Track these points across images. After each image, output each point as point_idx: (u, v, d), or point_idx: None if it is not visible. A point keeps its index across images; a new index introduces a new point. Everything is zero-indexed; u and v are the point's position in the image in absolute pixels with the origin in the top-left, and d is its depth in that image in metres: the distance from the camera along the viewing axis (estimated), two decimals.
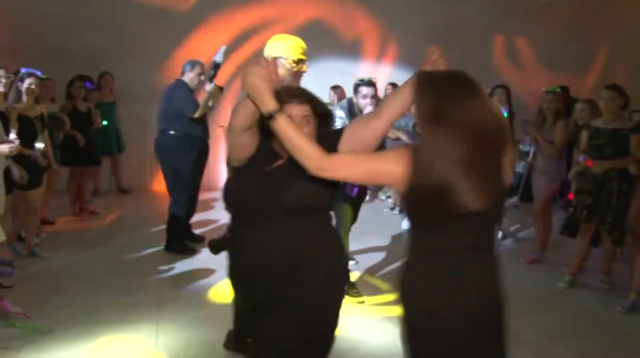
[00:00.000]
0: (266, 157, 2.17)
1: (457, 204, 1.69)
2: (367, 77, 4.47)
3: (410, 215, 1.90)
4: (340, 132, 2.15)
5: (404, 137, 5.46)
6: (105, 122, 6.91)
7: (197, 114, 5.05)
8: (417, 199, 1.77)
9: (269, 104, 1.87)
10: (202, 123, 5.24)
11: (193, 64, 5.23)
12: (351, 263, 4.59)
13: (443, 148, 1.70)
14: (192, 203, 5.43)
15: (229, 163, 2.31)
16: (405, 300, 1.89)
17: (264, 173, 2.15)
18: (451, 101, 1.73)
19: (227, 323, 3.32)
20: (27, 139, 4.36)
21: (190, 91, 5.16)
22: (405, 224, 6.46)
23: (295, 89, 2.20)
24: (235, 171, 2.25)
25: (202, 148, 5.29)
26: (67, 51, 7.31)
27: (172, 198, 5.25)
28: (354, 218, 4.46)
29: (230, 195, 2.25)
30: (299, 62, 2.95)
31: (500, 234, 5.88)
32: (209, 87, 5.10)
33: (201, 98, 5.18)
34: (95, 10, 7.62)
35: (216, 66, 5.07)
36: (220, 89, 5.22)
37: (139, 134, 7.73)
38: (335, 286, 2.27)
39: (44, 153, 4.73)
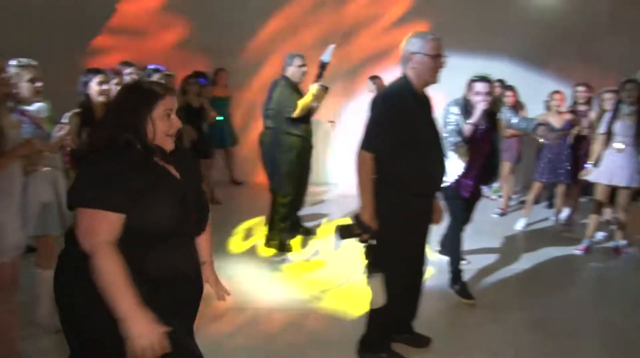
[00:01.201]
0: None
1: None
2: (482, 73, 4.30)
3: None
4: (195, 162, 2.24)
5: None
6: (220, 118, 7.17)
7: (295, 115, 4.98)
8: None
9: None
10: (304, 121, 5.17)
11: (292, 56, 5.15)
12: (463, 263, 4.47)
13: None
14: (297, 200, 5.48)
15: None
16: None
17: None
18: None
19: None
20: None
21: (291, 89, 5.08)
22: (519, 224, 6.20)
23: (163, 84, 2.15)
24: None
25: (303, 146, 5.22)
26: (187, 47, 7.68)
27: (271, 195, 5.28)
28: (468, 219, 4.35)
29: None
30: (436, 57, 2.92)
31: (624, 241, 5.52)
32: (313, 87, 5.02)
33: (306, 91, 5.12)
34: (210, 7, 7.94)
35: (323, 65, 5.02)
36: (326, 89, 5.15)
37: (251, 128, 7.96)
38: None
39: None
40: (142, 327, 1.79)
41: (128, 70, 4.56)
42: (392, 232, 2.97)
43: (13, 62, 3.28)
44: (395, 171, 2.95)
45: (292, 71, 5.13)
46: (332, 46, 5.01)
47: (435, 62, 2.96)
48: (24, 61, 3.36)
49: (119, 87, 4.18)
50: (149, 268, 1.93)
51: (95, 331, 1.93)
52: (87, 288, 1.85)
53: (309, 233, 5.65)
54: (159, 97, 1.95)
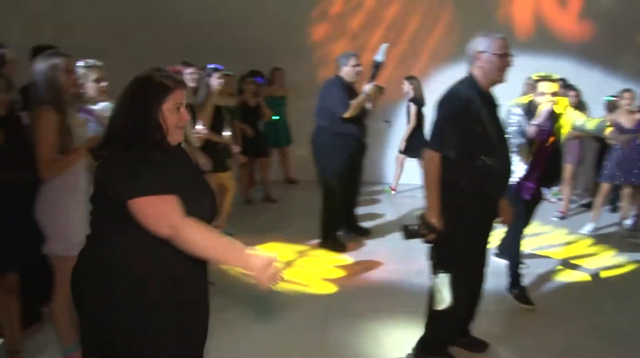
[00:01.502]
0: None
1: None
2: (546, 73, 4.16)
3: None
4: None
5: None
6: (276, 117, 7.24)
7: (347, 115, 4.96)
8: None
9: None
10: (358, 122, 5.14)
11: (347, 56, 5.13)
12: (522, 267, 4.35)
13: None
14: (351, 200, 5.46)
15: None
16: None
17: None
18: None
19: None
20: (216, 127, 4.76)
21: (344, 89, 5.06)
22: (586, 228, 5.98)
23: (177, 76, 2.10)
24: None
25: (356, 146, 5.20)
26: (243, 47, 7.79)
27: (322, 194, 5.27)
28: (528, 222, 4.24)
29: None
30: (504, 56, 2.89)
31: None
32: (367, 87, 5.00)
33: (360, 91, 5.09)
34: (268, 8, 8.04)
35: (377, 65, 4.97)
36: (380, 89, 5.11)
37: (306, 127, 7.98)
38: None
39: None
40: (259, 262, 1.84)
41: (189, 70, 4.65)
42: (457, 232, 2.95)
43: (80, 63, 3.40)
44: (462, 171, 2.92)
45: (346, 71, 5.12)
46: (385, 45, 4.97)
47: (502, 61, 2.94)
48: (91, 61, 3.49)
49: None
50: (175, 261, 1.94)
51: (108, 332, 1.95)
52: (105, 287, 1.90)
53: (364, 233, 5.62)
54: (170, 90, 1.94)
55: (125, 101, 1.96)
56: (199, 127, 4.37)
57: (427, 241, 3.00)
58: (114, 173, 1.87)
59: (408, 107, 7.19)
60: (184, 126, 2.02)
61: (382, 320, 3.87)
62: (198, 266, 2.01)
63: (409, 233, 3.01)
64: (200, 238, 1.86)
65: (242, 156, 5.73)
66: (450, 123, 2.91)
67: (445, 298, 3.00)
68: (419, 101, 7.16)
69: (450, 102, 2.95)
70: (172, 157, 1.99)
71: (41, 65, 2.92)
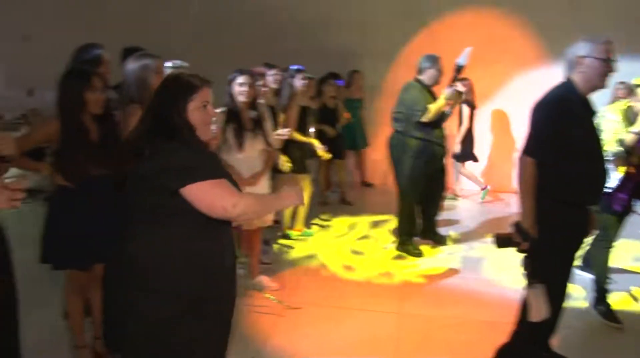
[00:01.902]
0: None
1: None
2: None
3: None
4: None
5: None
6: (353, 119, 7.23)
7: (424, 119, 4.86)
8: None
9: None
10: (435, 126, 5.03)
11: (433, 60, 5.01)
12: (609, 282, 4.13)
13: None
14: (430, 206, 5.36)
15: None
16: None
17: None
18: None
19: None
20: (301, 127, 4.82)
21: (423, 92, 4.97)
22: None
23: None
24: None
25: (433, 151, 5.08)
26: (323, 49, 7.84)
27: (398, 199, 5.21)
28: (616, 234, 4.01)
29: None
30: (607, 61, 2.77)
31: None
32: (447, 91, 4.89)
33: (438, 94, 4.99)
34: (347, 10, 8.06)
35: (458, 69, 4.86)
36: (460, 93, 4.97)
37: (384, 131, 7.94)
38: None
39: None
40: (289, 194, 2.20)
41: (271, 71, 4.73)
42: (552, 242, 2.83)
43: (168, 64, 3.53)
44: (558, 178, 2.81)
45: (430, 74, 5.02)
46: (468, 49, 4.84)
47: (605, 67, 2.81)
48: (178, 62, 3.62)
49: (263, 89, 4.39)
50: (207, 255, 2.07)
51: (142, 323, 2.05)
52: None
53: (441, 239, 5.51)
54: (197, 89, 2.06)
55: (156, 100, 2.09)
56: (283, 130, 4.41)
57: (521, 251, 2.90)
58: (162, 165, 1.97)
59: (461, 110, 7.04)
60: (211, 123, 2.13)
61: (454, 327, 3.78)
62: (228, 259, 2.16)
63: (502, 242, 2.92)
64: (255, 206, 2.08)
65: (326, 153, 5.57)
66: (547, 129, 2.81)
67: (539, 311, 2.88)
68: (471, 103, 7.03)
69: (548, 107, 2.84)
70: (205, 149, 2.13)
71: (133, 65, 3.05)
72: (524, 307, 3.00)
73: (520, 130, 7.22)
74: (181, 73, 2.11)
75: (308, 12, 8.08)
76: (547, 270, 2.88)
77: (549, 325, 3.18)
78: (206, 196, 1.96)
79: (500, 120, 7.94)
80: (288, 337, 3.60)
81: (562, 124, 2.78)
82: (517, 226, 2.87)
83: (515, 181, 2.90)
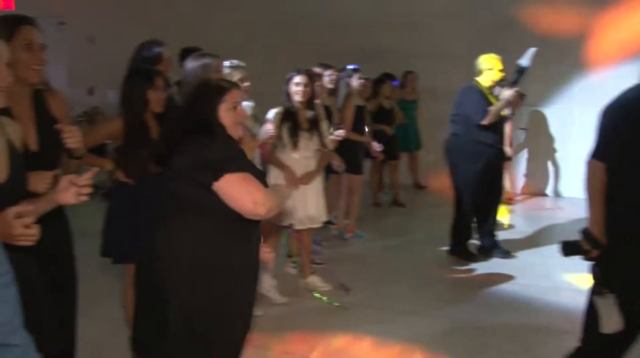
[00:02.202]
0: None
1: None
2: None
3: None
4: None
5: None
6: (407, 121, 7.17)
7: (485, 122, 4.75)
8: None
9: None
10: (495, 129, 4.90)
11: (491, 61, 4.91)
12: None
13: None
14: (487, 210, 5.22)
15: None
16: None
17: None
18: None
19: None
20: (357, 127, 4.82)
21: (482, 94, 4.86)
22: None
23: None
24: None
25: (492, 155, 4.96)
26: (378, 50, 7.81)
27: (455, 202, 5.12)
28: None
29: None
30: None
31: None
32: (508, 93, 4.76)
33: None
34: (401, 10, 8.01)
35: (521, 70, 4.71)
36: (522, 95, 4.81)
37: (438, 133, 7.84)
38: None
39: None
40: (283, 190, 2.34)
41: (328, 72, 4.74)
42: (621, 250, 2.72)
43: (226, 63, 3.58)
44: (629, 184, 2.70)
45: (486, 75, 4.93)
46: (532, 50, 4.68)
47: None
48: (235, 62, 3.66)
49: (320, 89, 4.41)
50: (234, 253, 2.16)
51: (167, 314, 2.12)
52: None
53: (495, 244, 5.38)
54: (226, 91, 2.19)
55: (189, 101, 2.24)
56: (338, 131, 4.41)
57: (589, 259, 2.80)
58: (197, 161, 2.07)
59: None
60: (241, 122, 2.25)
61: (509, 335, 3.67)
62: (254, 259, 2.26)
63: (569, 249, 2.80)
64: (276, 203, 2.15)
65: (382, 154, 5.59)
66: (618, 133, 2.70)
67: (611, 322, 2.76)
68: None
69: (620, 111, 2.73)
70: (238, 147, 2.24)
71: (193, 64, 3.11)
72: (591, 318, 2.88)
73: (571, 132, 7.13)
74: (212, 77, 2.27)
75: (362, 13, 8.06)
76: (622, 281, 2.75)
77: (623, 341, 3.03)
78: (237, 189, 2.05)
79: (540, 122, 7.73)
80: (338, 338, 3.59)
81: (636, 128, 2.66)
82: (586, 233, 2.77)
83: (582, 186, 2.78)
